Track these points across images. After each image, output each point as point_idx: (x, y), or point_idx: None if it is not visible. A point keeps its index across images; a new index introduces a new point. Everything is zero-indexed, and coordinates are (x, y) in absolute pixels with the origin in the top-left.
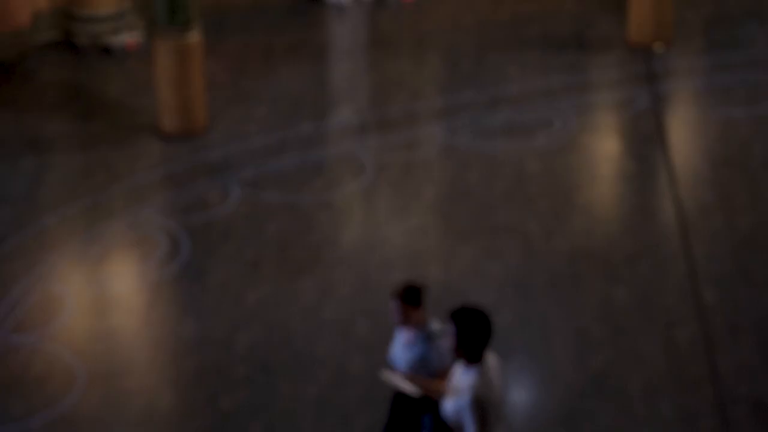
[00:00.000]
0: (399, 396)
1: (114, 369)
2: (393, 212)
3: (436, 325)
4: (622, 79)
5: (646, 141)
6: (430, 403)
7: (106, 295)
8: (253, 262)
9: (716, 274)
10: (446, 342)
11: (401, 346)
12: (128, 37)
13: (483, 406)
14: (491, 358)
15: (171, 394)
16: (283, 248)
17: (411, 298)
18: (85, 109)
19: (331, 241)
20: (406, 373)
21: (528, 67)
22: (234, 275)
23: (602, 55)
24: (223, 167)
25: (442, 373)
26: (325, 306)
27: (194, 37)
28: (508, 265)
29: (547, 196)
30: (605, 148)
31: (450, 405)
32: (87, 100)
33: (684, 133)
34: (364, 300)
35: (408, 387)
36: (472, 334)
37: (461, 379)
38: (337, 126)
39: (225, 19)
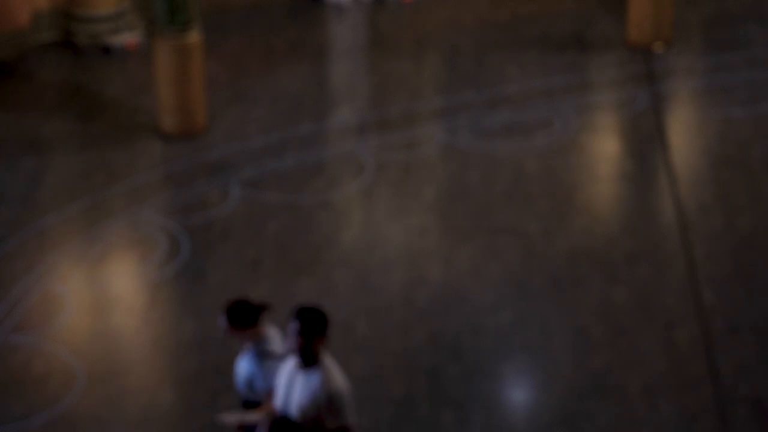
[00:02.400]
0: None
1: (114, 369)
2: (393, 212)
3: (273, 342)
4: (622, 79)
5: (646, 141)
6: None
7: (106, 295)
8: (253, 262)
9: (716, 274)
10: (289, 344)
11: (241, 364)
12: (128, 37)
13: (338, 400)
14: (327, 356)
15: (171, 394)
16: (282, 248)
17: (235, 319)
18: (85, 109)
19: (330, 241)
20: (250, 400)
21: (528, 67)
22: (234, 275)
23: (602, 55)
24: (223, 167)
25: (269, 396)
26: (324, 306)
27: (194, 37)
28: (508, 265)
29: (547, 196)
30: (605, 148)
31: (299, 408)
32: (87, 100)
33: (684, 133)
34: (364, 300)
35: (249, 417)
36: (315, 331)
37: (304, 381)
38: (337, 126)
39: (225, 19)
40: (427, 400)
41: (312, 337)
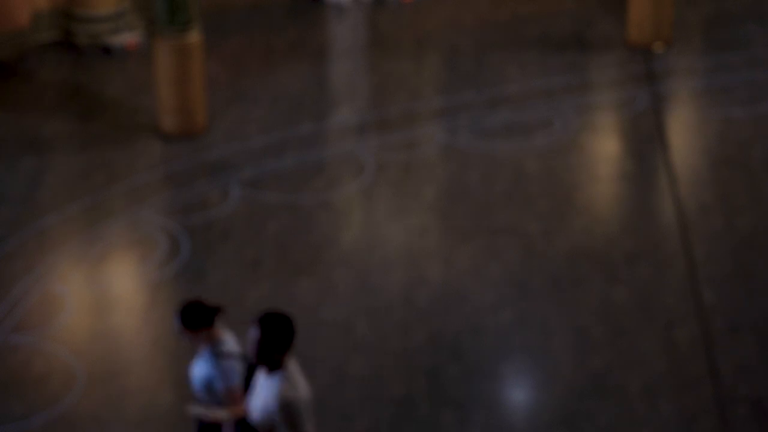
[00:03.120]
0: (205, 426)
1: (114, 369)
2: (393, 212)
3: (228, 344)
4: (622, 79)
5: (646, 141)
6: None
7: (106, 295)
8: (253, 262)
9: (716, 274)
10: (249, 350)
11: (197, 367)
12: (128, 37)
13: (292, 409)
14: (292, 363)
15: (171, 394)
16: (282, 248)
17: (188, 321)
18: (85, 109)
19: (330, 241)
20: (210, 404)
21: (528, 67)
22: (234, 275)
23: (602, 55)
24: (223, 167)
25: (228, 396)
26: (324, 306)
27: (194, 37)
28: (508, 265)
29: (547, 196)
30: (605, 148)
31: (258, 413)
32: (87, 100)
33: (684, 133)
34: (363, 300)
35: (217, 414)
36: (277, 339)
37: (266, 385)
38: (337, 126)
39: (225, 19)
40: (427, 400)
41: (272, 343)
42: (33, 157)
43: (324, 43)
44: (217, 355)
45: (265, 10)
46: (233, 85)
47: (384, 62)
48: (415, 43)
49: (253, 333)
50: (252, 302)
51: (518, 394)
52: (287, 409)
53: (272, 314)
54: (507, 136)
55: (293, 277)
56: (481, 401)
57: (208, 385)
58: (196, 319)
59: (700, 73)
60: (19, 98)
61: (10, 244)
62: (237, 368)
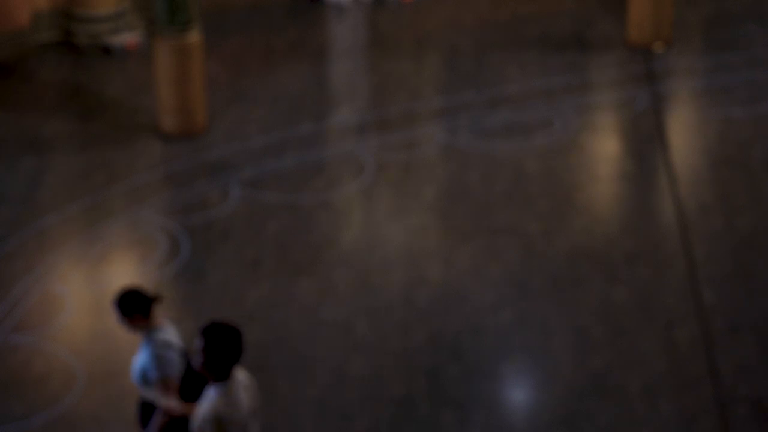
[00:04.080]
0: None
1: (114, 369)
2: (393, 212)
3: (165, 333)
4: (622, 79)
5: (646, 141)
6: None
7: (106, 295)
8: (252, 262)
9: (716, 274)
10: (194, 360)
11: (137, 357)
12: (128, 37)
13: (222, 424)
14: (241, 376)
15: None
16: (282, 248)
17: (124, 307)
18: (85, 109)
19: (330, 241)
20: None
21: (528, 67)
22: (234, 275)
23: (602, 55)
24: (223, 167)
25: (161, 385)
26: (324, 306)
27: (194, 37)
28: (508, 265)
29: (547, 196)
30: (605, 148)
31: (194, 421)
32: (87, 100)
33: (684, 133)
34: (363, 300)
35: (170, 403)
36: (221, 351)
37: (207, 395)
38: (337, 126)
39: (225, 19)
40: (427, 400)
41: (215, 354)
42: (33, 157)
43: (324, 43)
44: (153, 343)
45: (265, 10)
46: (233, 85)
47: (384, 62)
48: (415, 43)
49: (198, 342)
50: (252, 302)
51: (518, 394)
52: (217, 423)
53: (218, 325)
54: (507, 136)
55: (293, 277)
56: (481, 401)
57: (144, 374)
58: (132, 305)
59: (700, 73)
60: (19, 98)
61: (10, 244)
62: (173, 359)
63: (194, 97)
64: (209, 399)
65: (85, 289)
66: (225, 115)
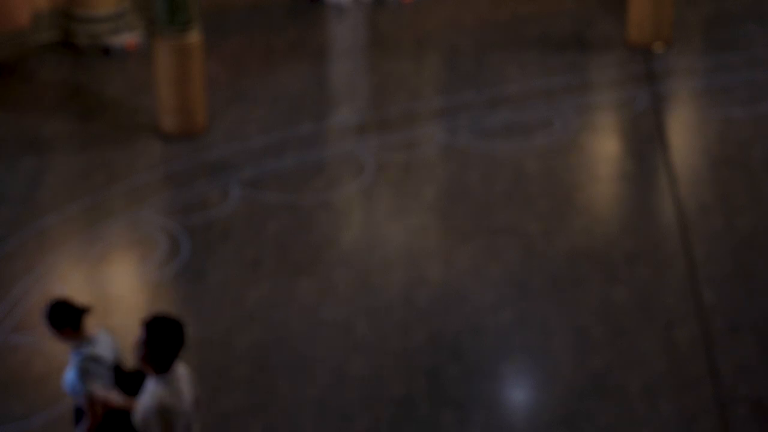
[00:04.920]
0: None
1: None
2: (393, 212)
3: (96, 345)
4: (622, 79)
5: (646, 141)
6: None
7: (106, 295)
8: (253, 262)
9: (716, 274)
10: (135, 353)
11: (68, 367)
12: (128, 38)
13: (167, 415)
14: (181, 369)
15: None
16: (282, 248)
17: (53, 319)
18: (85, 109)
19: (330, 241)
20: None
21: (528, 67)
22: (234, 275)
23: (602, 55)
24: (223, 167)
25: (87, 399)
26: (324, 306)
27: (194, 37)
28: (508, 265)
29: (547, 196)
30: (605, 148)
31: (137, 414)
32: (87, 100)
33: (684, 133)
34: (363, 300)
35: (114, 398)
36: (162, 344)
37: (147, 388)
38: (337, 126)
39: (225, 19)
40: (427, 400)
41: (156, 347)
42: (33, 157)
43: (324, 43)
44: (80, 356)
45: (265, 10)
46: (233, 85)
47: (384, 62)
48: (415, 43)
49: (140, 335)
50: (252, 302)
51: (518, 394)
52: (162, 415)
53: (160, 318)
54: (507, 136)
55: (293, 277)
56: (481, 401)
57: (71, 387)
58: (60, 318)
59: (700, 73)
60: (19, 98)
61: (10, 244)
62: (99, 373)
63: (194, 97)
64: (150, 391)
65: (85, 289)
66: (225, 115)
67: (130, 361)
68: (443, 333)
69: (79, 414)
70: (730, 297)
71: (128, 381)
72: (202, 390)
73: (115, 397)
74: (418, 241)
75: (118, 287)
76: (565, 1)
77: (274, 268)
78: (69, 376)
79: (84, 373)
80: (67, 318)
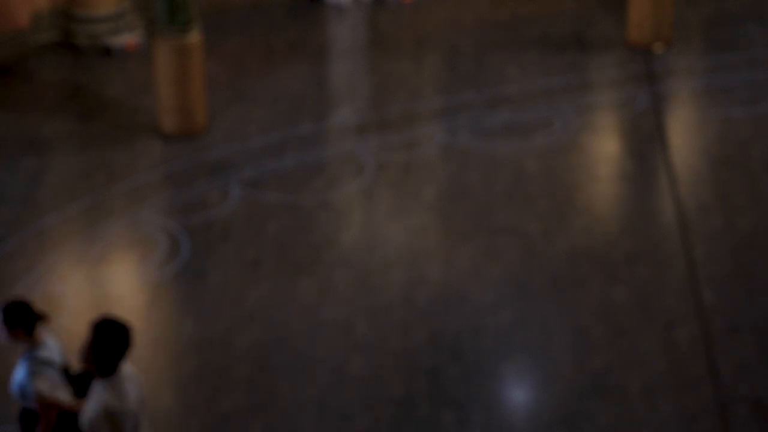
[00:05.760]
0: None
1: None
2: (393, 212)
3: (48, 352)
4: (622, 79)
5: (646, 141)
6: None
7: (106, 295)
8: (253, 262)
9: (716, 274)
10: (81, 355)
11: (17, 369)
12: (128, 38)
13: (113, 418)
14: (127, 369)
15: (171, 394)
16: (282, 248)
17: (8, 317)
18: (85, 110)
19: (331, 241)
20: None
21: (528, 67)
22: (234, 275)
23: (602, 55)
24: (222, 167)
25: (38, 402)
26: (324, 306)
27: (194, 37)
28: (508, 265)
29: (547, 196)
30: (605, 148)
31: (83, 417)
32: (87, 101)
33: (684, 133)
34: (363, 300)
35: (64, 400)
36: (107, 347)
37: (94, 390)
38: (337, 126)
39: (225, 19)
40: (427, 400)
41: (103, 349)
42: (33, 157)
43: (324, 43)
44: (32, 359)
45: (265, 10)
46: (233, 85)
47: (384, 62)
48: (415, 43)
49: (86, 338)
50: (252, 302)
51: (518, 394)
52: (108, 418)
53: (108, 321)
54: (507, 136)
55: (293, 277)
56: (481, 401)
57: (21, 389)
58: (17, 318)
59: (700, 73)
60: (19, 98)
61: (10, 244)
62: (51, 376)
63: (194, 97)
64: (97, 394)
65: (85, 289)
66: (225, 115)
67: (76, 363)
68: (443, 333)
69: (25, 417)
70: (730, 297)
71: (76, 383)
72: (203, 390)
73: (63, 398)
74: (418, 241)
75: (118, 287)
76: (565, 1)
77: (274, 268)
78: (18, 378)
79: (36, 377)
80: (22, 320)
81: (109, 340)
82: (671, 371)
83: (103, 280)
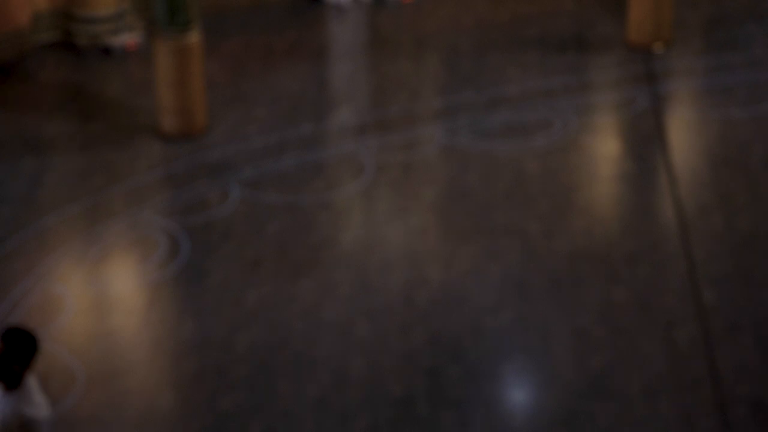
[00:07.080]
0: None
1: (114, 369)
2: (393, 212)
3: None
4: (622, 80)
5: (646, 141)
6: None
7: (106, 295)
8: (253, 262)
9: (716, 274)
10: None
11: None
12: (128, 38)
13: (32, 428)
14: (32, 381)
15: (171, 395)
16: (283, 248)
17: None
18: (85, 110)
19: (331, 241)
20: None
21: (528, 67)
22: (234, 275)
23: (602, 55)
24: (222, 168)
25: None
26: (324, 306)
27: (194, 37)
28: (508, 265)
29: (547, 196)
30: (605, 148)
31: None
32: (87, 101)
33: (684, 133)
34: (363, 300)
35: None
36: (18, 356)
37: (3, 403)
38: (337, 126)
39: (225, 19)
40: (427, 400)
41: (13, 360)
42: (33, 157)
43: (324, 43)
44: None
45: (265, 10)
46: (233, 85)
47: (384, 62)
48: (415, 43)
49: None
50: (252, 302)
51: (518, 394)
52: (27, 427)
53: (15, 330)
54: (507, 137)
55: (293, 277)
56: (481, 401)
57: None
58: None
59: (700, 73)
60: (19, 98)
61: (10, 244)
62: None
63: (194, 98)
64: (7, 405)
65: (85, 290)
66: (225, 115)
67: None
68: (443, 333)
69: None
70: (730, 297)
71: None
72: (203, 390)
73: None
74: (418, 242)
75: (118, 287)
76: (565, 1)
77: (274, 268)
78: None
79: None
80: None
81: (20, 349)
82: (671, 371)
83: (103, 280)
